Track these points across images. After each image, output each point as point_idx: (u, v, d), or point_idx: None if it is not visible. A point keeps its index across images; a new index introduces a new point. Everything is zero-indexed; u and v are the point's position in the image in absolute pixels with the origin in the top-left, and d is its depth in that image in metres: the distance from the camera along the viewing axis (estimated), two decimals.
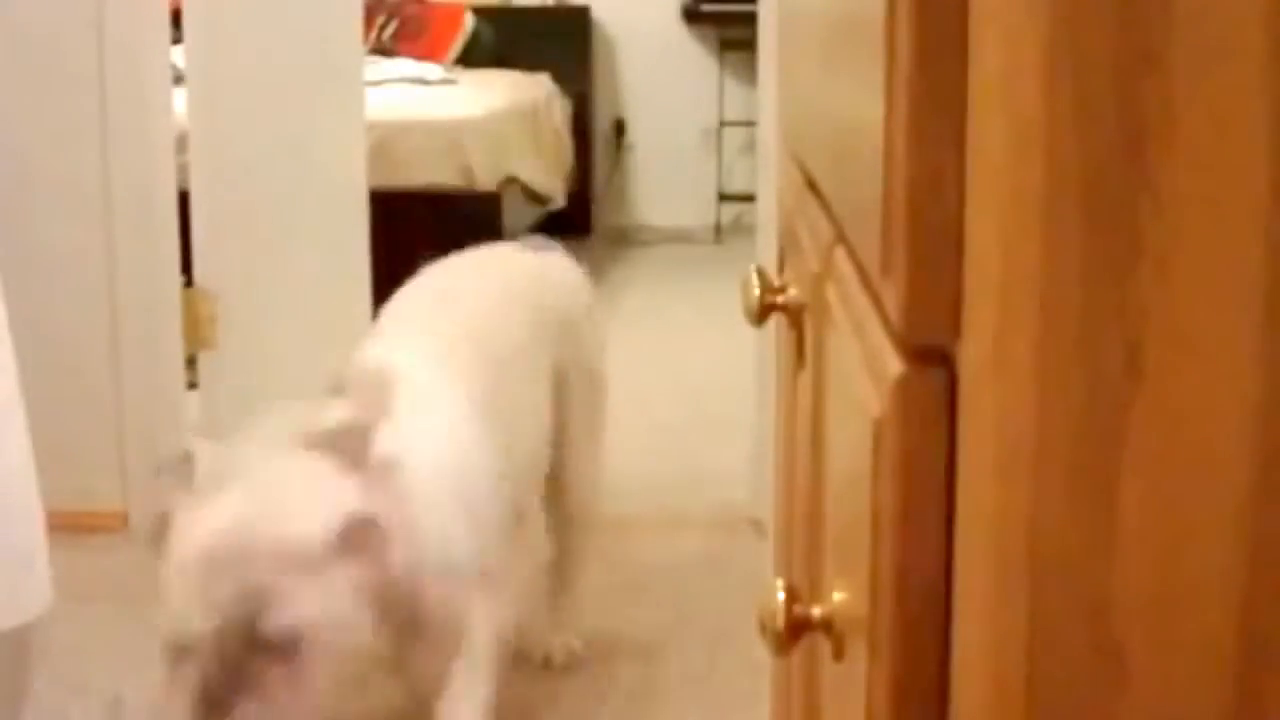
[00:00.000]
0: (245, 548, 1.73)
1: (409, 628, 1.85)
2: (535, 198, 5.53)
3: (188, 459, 1.87)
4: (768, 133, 3.14)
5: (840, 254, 0.96)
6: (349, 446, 1.88)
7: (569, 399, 2.49)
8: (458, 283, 2.47)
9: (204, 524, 1.77)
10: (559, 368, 2.44)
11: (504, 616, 2.10)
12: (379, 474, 1.86)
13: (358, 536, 1.75)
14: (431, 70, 5.78)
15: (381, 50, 5.94)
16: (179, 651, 1.72)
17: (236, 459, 1.88)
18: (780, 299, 1.22)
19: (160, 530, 1.81)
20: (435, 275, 2.54)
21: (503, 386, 2.21)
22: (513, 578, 2.04)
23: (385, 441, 1.91)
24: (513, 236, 5.18)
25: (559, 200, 5.86)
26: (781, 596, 0.92)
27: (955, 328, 0.67)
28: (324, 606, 1.73)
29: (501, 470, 2.12)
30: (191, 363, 3.43)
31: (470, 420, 2.09)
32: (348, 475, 1.83)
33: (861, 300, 0.84)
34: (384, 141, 4.70)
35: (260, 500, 1.78)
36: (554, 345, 2.42)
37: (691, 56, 6.58)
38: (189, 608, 1.72)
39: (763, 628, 0.93)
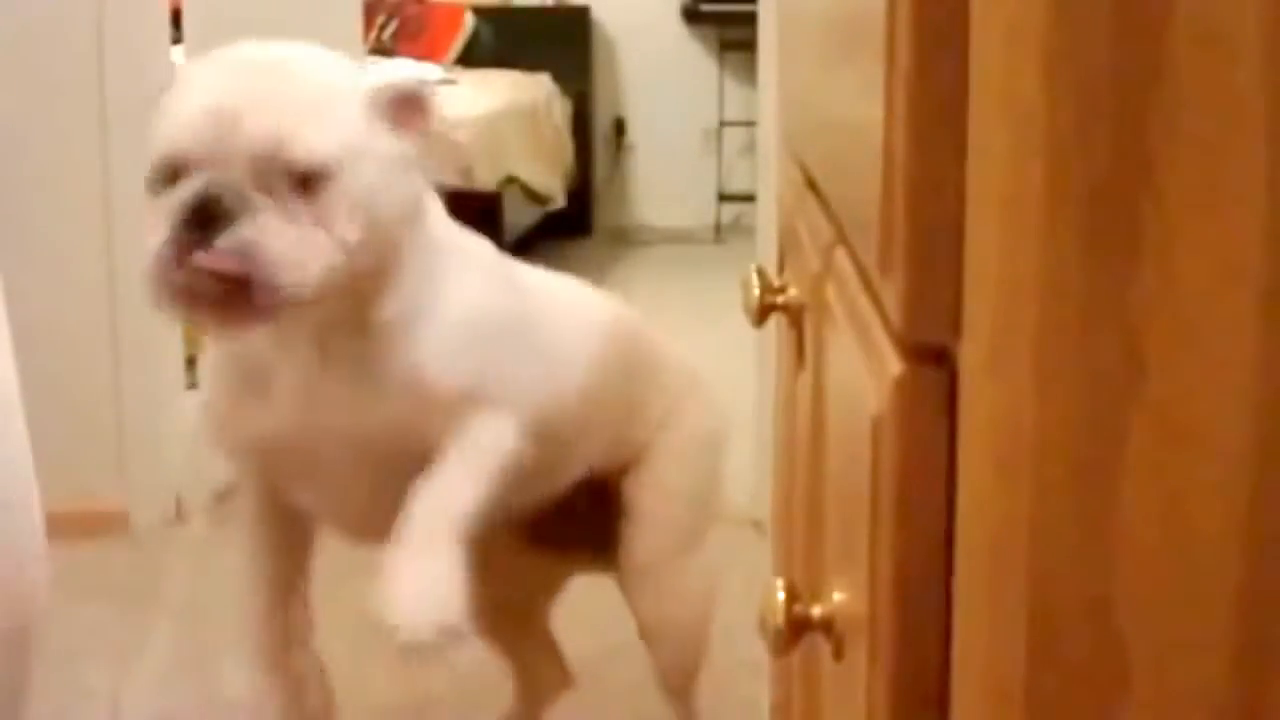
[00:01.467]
0: (279, 76, 1.57)
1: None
2: (535, 198, 5.53)
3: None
4: (768, 133, 3.14)
5: (840, 254, 0.96)
6: None
7: None
8: None
9: (223, 58, 1.64)
10: None
11: (509, 433, 1.65)
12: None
13: (399, 106, 1.54)
14: (431, 70, 5.78)
15: (381, 50, 5.94)
16: (168, 172, 1.46)
17: None
18: (780, 299, 1.22)
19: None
20: None
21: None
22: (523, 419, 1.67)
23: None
24: (513, 236, 5.19)
25: (559, 200, 5.86)
26: (781, 596, 0.92)
27: (955, 327, 0.67)
28: (356, 148, 1.48)
29: None
30: (191, 363, 3.43)
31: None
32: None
33: (861, 300, 0.84)
34: None
35: (296, 51, 1.68)
36: None
37: (691, 56, 6.58)
38: (194, 114, 1.50)
39: (763, 628, 0.93)
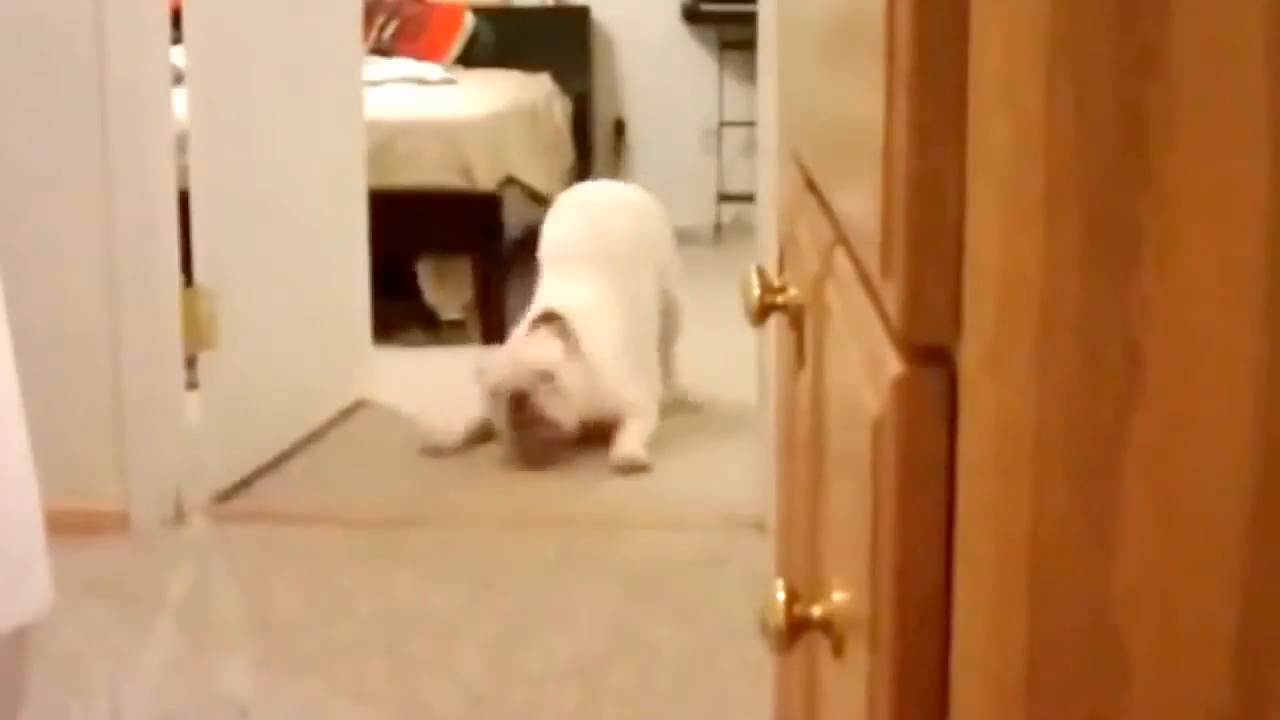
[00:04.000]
0: (523, 361, 3.72)
1: (598, 405, 3.75)
2: (535, 198, 5.52)
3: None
4: (768, 133, 3.14)
5: (840, 254, 0.96)
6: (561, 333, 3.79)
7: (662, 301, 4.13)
8: (599, 222, 4.10)
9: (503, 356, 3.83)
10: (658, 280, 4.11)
11: (653, 408, 3.91)
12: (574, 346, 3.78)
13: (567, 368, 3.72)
14: (431, 70, 5.78)
15: (381, 50, 5.93)
16: (494, 399, 3.70)
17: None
18: (780, 299, 1.22)
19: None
20: (579, 213, 4.19)
21: (636, 294, 3.99)
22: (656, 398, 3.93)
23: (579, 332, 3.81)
24: (513, 236, 5.19)
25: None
26: (781, 596, 0.92)
27: (955, 328, 0.67)
28: (560, 389, 3.70)
29: (646, 342, 4.02)
30: (191, 363, 3.43)
31: (621, 314, 3.91)
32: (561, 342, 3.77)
33: (861, 300, 0.84)
34: (384, 141, 4.70)
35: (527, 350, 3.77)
36: (655, 266, 4.12)
37: (691, 56, 6.58)
38: (501, 382, 3.68)
39: (763, 628, 0.93)
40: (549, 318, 3.82)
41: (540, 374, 3.65)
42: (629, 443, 3.71)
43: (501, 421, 3.69)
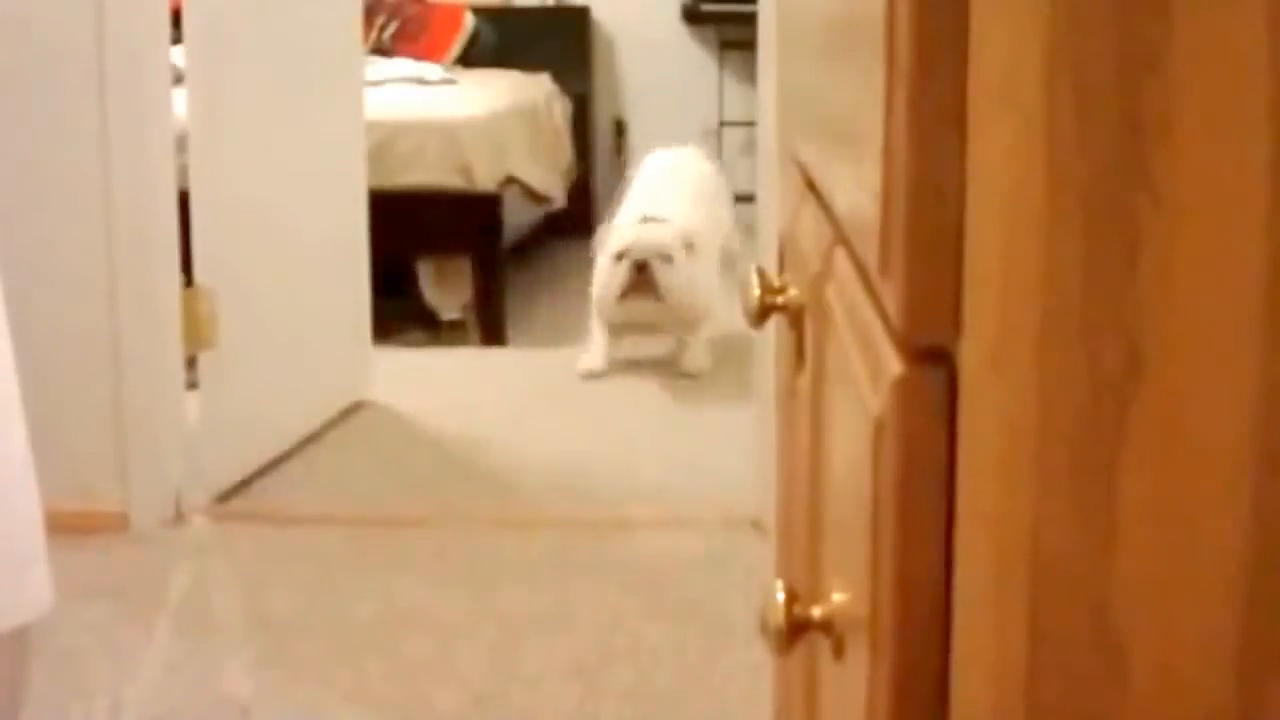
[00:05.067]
0: (651, 234, 4.33)
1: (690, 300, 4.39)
2: (535, 198, 5.52)
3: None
4: (768, 133, 3.14)
5: (840, 254, 0.96)
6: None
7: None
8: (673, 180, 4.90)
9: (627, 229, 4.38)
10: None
11: (712, 327, 4.43)
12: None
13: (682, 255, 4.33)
14: (431, 70, 5.77)
15: (381, 50, 5.93)
16: (616, 265, 4.30)
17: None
18: (780, 299, 1.22)
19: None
20: (659, 175, 4.99)
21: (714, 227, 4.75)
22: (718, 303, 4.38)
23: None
24: (513, 236, 5.19)
25: (559, 200, 5.86)
26: (781, 596, 0.92)
27: (955, 328, 0.67)
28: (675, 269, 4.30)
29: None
30: (191, 363, 3.43)
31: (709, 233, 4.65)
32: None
33: (861, 300, 0.84)
34: (384, 141, 4.70)
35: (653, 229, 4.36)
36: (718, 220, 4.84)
37: (691, 56, 6.58)
38: (629, 249, 4.25)
39: (763, 628, 0.93)
40: (657, 219, 4.45)
41: (662, 250, 4.31)
42: (700, 355, 4.41)
43: (616, 286, 4.30)
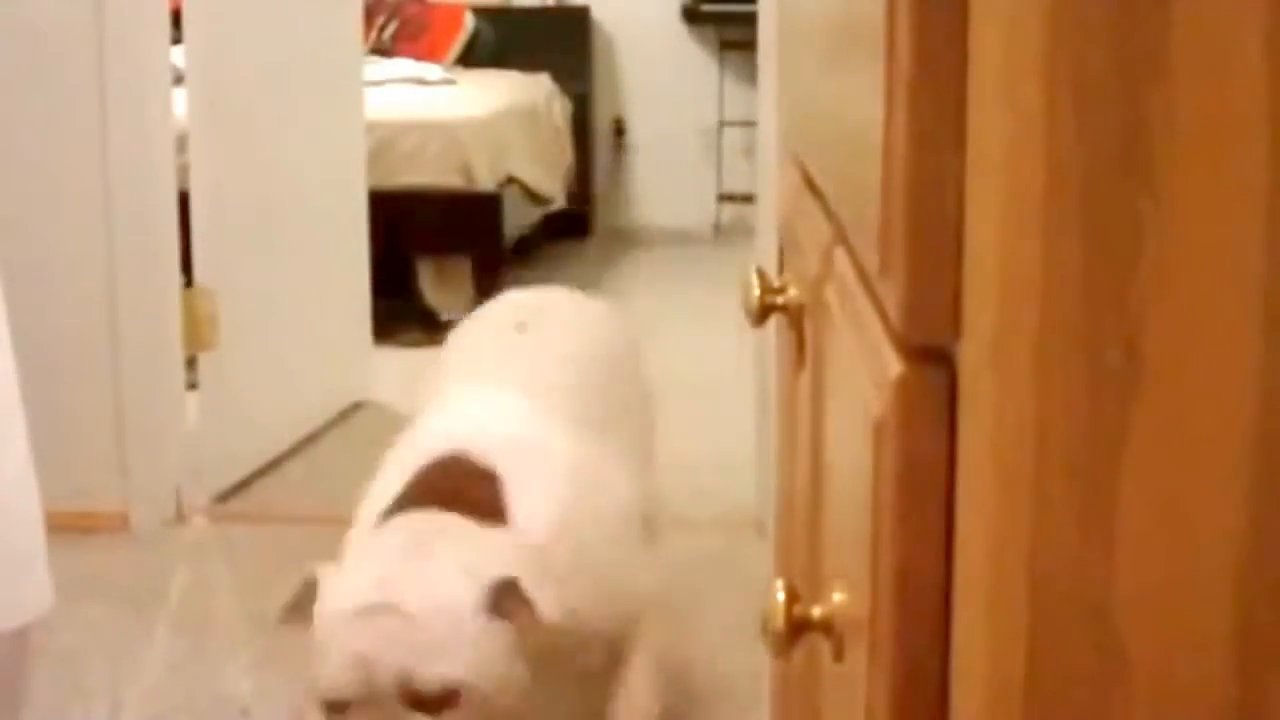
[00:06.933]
0: (395, 607, 1.73)
1: (571, 662, 2.04)
2: (535, 198, 5.52)
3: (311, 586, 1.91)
4: (768, 133, 3.14)
5: (840, 254, 0.96)
6: (484, 500, 1.92)
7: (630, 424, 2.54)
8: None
9: (352, 585, 1.82)
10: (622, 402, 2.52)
11: (660, 631, 2.30)
12: (518, 530, 1.90)
13: (504, 600, 1.75)
14: (431, 70, 5.78)
15: (381, 50, 5.93)
16: (334, 706, 1.74)
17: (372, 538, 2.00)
18: (780, 299, 1.22)
19: (306, 596, 1.88)
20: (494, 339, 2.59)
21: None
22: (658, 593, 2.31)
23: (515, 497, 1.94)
24: (513, 237, 5.19)
25: (559, 200, 5.86)
26: (781, 596, 0.92)
27: (955, 328, 0.67)
28: (477, 664, 1.74)
29: (627, 496, 2.22)
30: (191, 363, 3.43)
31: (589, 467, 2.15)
32: (488, 531, 1.87)
33: (861, 300, 0.84)
34: (384, 141, 4.70)
35: (408, 562, 1.81)
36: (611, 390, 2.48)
37: (691, 56, 6.58)
38: (343, 666, 1.73)
39: (763, 628, 0.93)
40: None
41: (425, 683, 1.73)
42: (639, 694, 2.27)
43: None
